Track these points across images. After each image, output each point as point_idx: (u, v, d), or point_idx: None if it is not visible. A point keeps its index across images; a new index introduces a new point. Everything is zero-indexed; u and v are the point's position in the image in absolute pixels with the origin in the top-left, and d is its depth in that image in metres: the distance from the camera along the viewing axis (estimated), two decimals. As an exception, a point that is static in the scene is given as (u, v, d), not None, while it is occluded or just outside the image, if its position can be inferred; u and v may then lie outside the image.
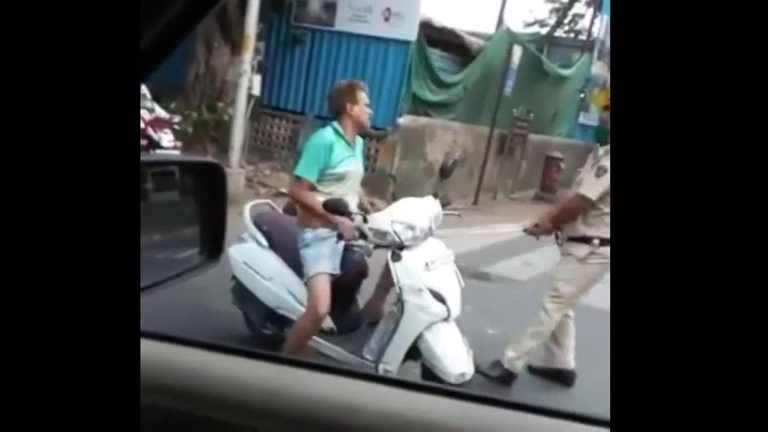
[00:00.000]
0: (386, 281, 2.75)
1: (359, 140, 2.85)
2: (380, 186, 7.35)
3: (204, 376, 0.70)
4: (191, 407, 0.69)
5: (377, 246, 2.56)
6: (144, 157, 0.94)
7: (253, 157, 7.83)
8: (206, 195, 0.71)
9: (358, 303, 2.95)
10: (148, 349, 0.68)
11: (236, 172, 6.19)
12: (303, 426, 0.68)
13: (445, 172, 3.11)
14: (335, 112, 2.75)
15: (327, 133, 2.69)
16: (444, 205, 2.78)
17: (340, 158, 2.63)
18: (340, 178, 2.65)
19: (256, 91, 6.87)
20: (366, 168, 8.13)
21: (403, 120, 7.85)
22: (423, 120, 8.21)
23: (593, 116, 13.48)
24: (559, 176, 10.32)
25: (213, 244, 0.72)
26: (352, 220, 2.54)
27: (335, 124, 2.73)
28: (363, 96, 2.70)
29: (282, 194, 5.94)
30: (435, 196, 2.77)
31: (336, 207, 2.46)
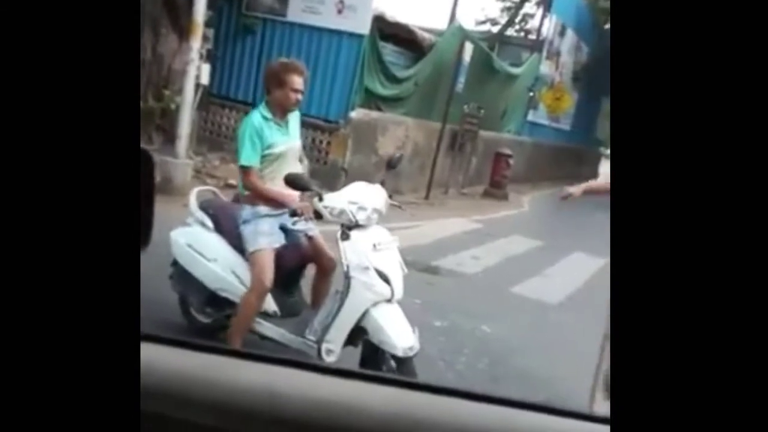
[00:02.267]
0: (323, 267, 2.85)
1: (294, 116, 2.85)
2: (332, 178, 7.31)
3: (183, 377, 0.68)
4: (169, 409, 0.67)
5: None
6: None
7: (201, 147, 7.64)
8: None
9: (301, 287, 2.99)
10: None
11: (183, 162, 6.04)
12: (294, 427, 0.67)
13: (391, 164, 3.19)
14: (265, 92, 2.81)
15: (254, 117, 2.74)
16: (390, 196, 2.85)
17: (271, 140, 2.70)
18: (276, 158, 2.72)
19: (205, 80, 6.70)
20: (317, 161, 8.09)
21: (355, 114, 7.83)
22: (375, 114, 8.22)
23: (541, 114, 13.82)
24: (508, 172, 10.53)
25: (143, 231, 0.70)
26: (312, 196, 2.61)
27: (261, 106, 2.79)
28: (293, 79, 2.71)
29: (231, 186, 5.82)
30: (382, 184, 2.82)
31: (298, 182, 2.55)
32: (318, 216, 2.61)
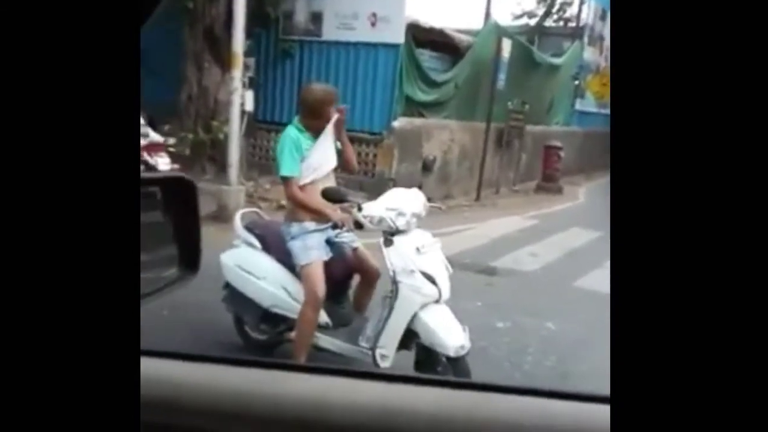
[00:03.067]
0: (367, 277, 2.91)
1: (328, 130, 2.87)
2: (381, 190, 7.36)
3: (198, 388, 0.71)
4: (187, 420, 0.70)
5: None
6: None
7: (251, 172, 7.85)
8: (179, 209, 0.72)
9: (349, 297, 3.04)
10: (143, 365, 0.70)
11: (236, 189, 6.21)
12: (304, 428, 0.68)
13: (426, 167, 3.23)
14: (299, 113, 2.89)
15: (290, 131, 2.83)
16: (428, 199, 2.87)
17: (308, 152, 2.77)
18: (312, 172, 2.79)
19: (249, 107, 6.90)
20: (365, 173, 8.16)
21: (398, 123, 7.85)
22: (418, 121, 8.22)
23: (589, 102, 13.46)
24: (559, 165, 10.29)
25: (190, 257, 0.72)
26: (351, 207, 2.67)
27: (295, 121, 2.87)
28: (328, 111, 2.79)
29: (283, 207, 5.96)
30: (420, 188, 2.87)
31: (335, 195, 2.62)
32: (359, 226, 2.66)
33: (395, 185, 7.88)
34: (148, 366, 0.71)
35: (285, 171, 2.77)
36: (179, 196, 0.72)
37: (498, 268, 5.29)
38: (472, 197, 8.68)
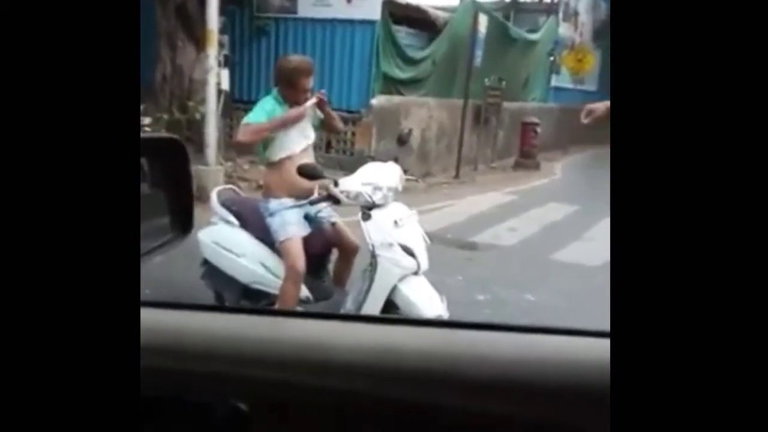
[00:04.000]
0: (346, 251, 2.97)
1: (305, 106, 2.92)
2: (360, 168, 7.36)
3: (197, 334, 0.76)
4: (188, 365, 0.74)
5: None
6: None
7: (229, 153, 7.77)
8: (170, 170, 0.73)
9: (329, 271, 3.09)
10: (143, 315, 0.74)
11: (214, 169, 6.16)
12: (299, 369, 0.73)
13: (401, 140, 3.25)
14: (275, 85, 2.92)
15: (266, 101, 2.87)
16: (405, 171, 2.91)
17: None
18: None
19: (225, 85, 6.80)
20: (344, 152, 8.12)
21: (377, 101, 7.83)
22: (396, 99, 8.20)
23: (564, 78, 13.54)
24: (537, 141, 10.37)
25: (183, 217, 0.74)
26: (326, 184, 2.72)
27: (275, 92, 2.90)
28: (303, 82, 2.81)
29: (261, 187, 5.93)
30: (396, 161, 2.89)
31: (311, 171, 2.64)
32: (336, 201, 2.70)
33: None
34: (149, 316, 0.78)
35: (246, 118, 2.82)
36: (170, 157, 0.73)
37: (478, 243, 5.37)
38: (451, 174, 8.73)
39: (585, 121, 2.95)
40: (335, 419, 0.73)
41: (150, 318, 0.83)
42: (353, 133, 7.93)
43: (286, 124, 2.80)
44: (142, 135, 0.54)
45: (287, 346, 0.74)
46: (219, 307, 0.78)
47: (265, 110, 2.81)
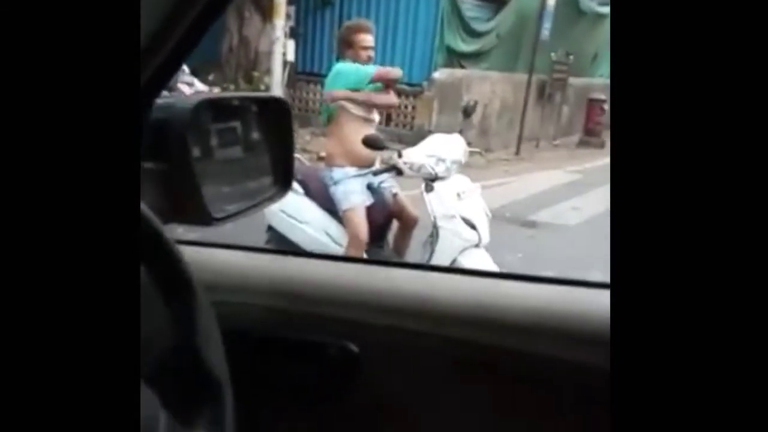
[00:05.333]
0: (406, 223, 2.99)
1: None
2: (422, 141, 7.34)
3: (312, 280, 0.85)
4: (304, 307, 0.83)
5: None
6: (208, 96, 1.00)
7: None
8: (272, 128, 0.76)
9: (388, 241, 3.13)
10: (206, 253, 0.87)
11: (278, 139, 6.29)
12: (406, 316, 0.80)
13: (467, 112, 3.25)
14: (338, 58, 3.00)
15: (338, 65, 2.93)
16: (468, 145, 2.92)
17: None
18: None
19: (291, 57, 6.89)
20: (404, 126, 8.10)
21: (439, 74, 7.73)
22: (459, 72, 8.07)
23: (636, 53, 12.91)
24: (603, 119, 10.01)
25: (284, 174, 0.77)
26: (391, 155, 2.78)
27: (339, 62, 2.95)
28: (361, 38, 2.86)
29: (323, 158, 6.01)
30: (460, 133, 2.90)
31: (375, 143, 2.68)
32: (400, 172, 2.72)
33: (435, 137, 7.86)
34: (267, 262, 0.92)
35: (328, 85, 2.89)
36: (273, 115, 0.76)
37: (539, 222, 5.28)
38: (512, 151, 8.57)
39: None
40: (438, 364, 0.78)
41: (268, 264, 0.91)
42: (413, 107, 7.88)
43: (371, 102, 2.86)
44: (247, 94, 0.54)
45: (396, 294, 0.81)
46: (332, 256, 0.85)
47: (338, 70, 2.87)
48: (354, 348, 0.78)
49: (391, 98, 2.97)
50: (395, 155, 2.72)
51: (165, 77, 0.58)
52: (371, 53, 2.90)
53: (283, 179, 0.77)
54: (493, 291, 0.82)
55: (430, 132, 7.74)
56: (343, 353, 0.78)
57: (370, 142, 2.67)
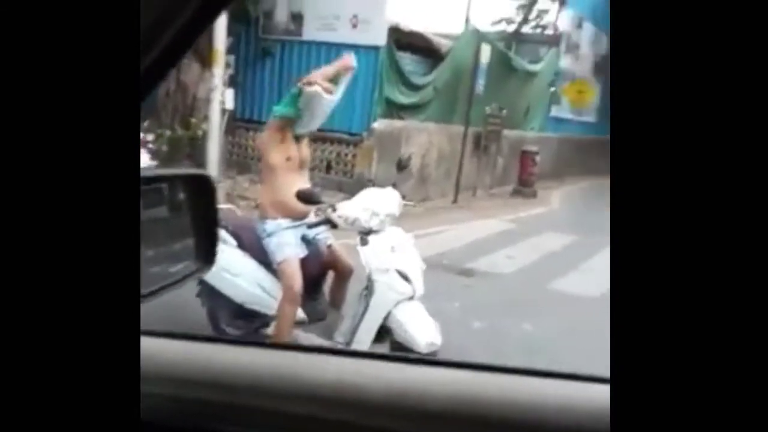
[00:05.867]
0: (341, 273, 2.97)
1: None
2: (359, 191, 7.38)
3: (198, 364, 0.78)
4: (207, 396, 0.76)
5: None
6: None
7: (230, 171, 7.80)
8: (198, 204, 0.74)
9: (324, 293, 3.10)
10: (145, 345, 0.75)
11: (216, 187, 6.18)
12: (315, 403, 0.75)
13: (401, 165, 3.29)
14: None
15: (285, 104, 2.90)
16: (403, 197, 2.94)
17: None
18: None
19: (229, 104, 6.86)
20: (344, 174, 8.13)
21: (378, 124, 7.89)
22: (398, 123, 8.27)
23: (564, 109, 13.68)
24: (535, 170, 10.44)
25: (207, 250, 0.75)
26: (326, 208, 2.75)
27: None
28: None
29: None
30: (395, 186, 2.92)
31: (308, 197, 2.68)
32: (334, 225, 2.72)
33: (374, 186, 7.95)
34: (148, 345, 0.79)
35: (276, 111, 2.85)
36: (199, 191, 0.75)
37: (475, 270, 5.36)
38: (449, 199, 8.77)
39: None
40: None
41: (170, 348, 0.84)
42: (354, 156, 7.98)
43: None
44: (173, 171, 0.54)
45: (320, 382, 0.76)
46: (236, 341, 0.80)
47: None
48: None
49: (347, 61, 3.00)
50: (330, 209, 2.71)
51: (156, 77, 0.57)
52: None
53: (206, 255, 0.75)
54: (419, 378, 0.78)
55: (370, 181, 7.84)
56: None
57: (304, 197, 2.66)
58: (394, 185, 2.93)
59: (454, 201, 8.73)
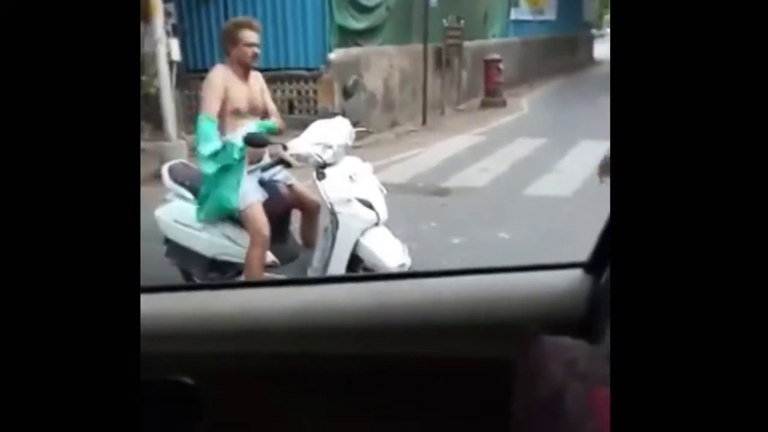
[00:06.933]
0: (307, 211, 2.96)
1: (256, 77, 2.92)
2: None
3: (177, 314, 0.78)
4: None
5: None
6: None
7: (191, 125, 7.60)
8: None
9: (291, 232, 3.11)
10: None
11: (176, 144, 6.03)
12: (237, 339, 0.75)
13: (347, 93, 3.26)
14: (225, 54, 2.88)
15: (216, 71, 2.81)
16: (354, 124, 2.90)
17: (234, 96, 2.74)
18: (241, 116, 2.78)
19: (176, 56, 6.58)
20: (308, 111, 7.99)
21: (335, 55, 7.65)
22: (354, 51, 8.03)
23: (524, 10, 13.34)
24: (501, 78, 10.29)
25: None
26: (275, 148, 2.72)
27: (223, 64, 2.86)
28: (245, 34, 2.76)
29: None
30: (344, 115, 2.89)
31: (256, 140, 2.63)
32: (288, 165, 2.69)
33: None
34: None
35: (205, 108, 2.75)
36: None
37: (450, 188, 5.39)
38: (418, 122, 8.67)
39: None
40: (278, 383, 0.75)
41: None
42: (315, 91, 7.79)
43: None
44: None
45: (221, 318, 0.76)
46: (154, 288, 0.79)
47: (214, 81, 2.76)
48: (189, 381, 0.74)
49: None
50: (281, 148, 2.68)
51: None
52: (255, 50, 2.82)
53: None
54: (311, 297, 0.78)
55: (335, 114, 7.71)
56: (177, 389, 0.74)
57: (252, 141, 2.61)
58: (344, 114, 2.90)
59: (424, 122, 8.64)
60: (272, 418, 0.76)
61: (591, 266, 0.74)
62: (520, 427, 0.57)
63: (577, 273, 0.74)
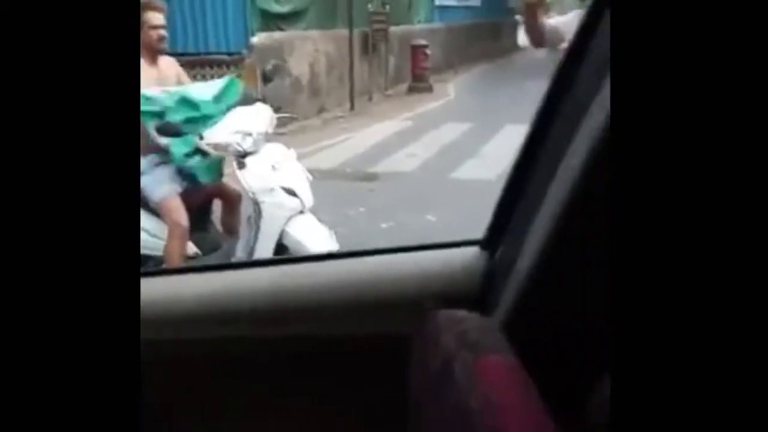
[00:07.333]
0: (228, 201, 2.88)
1: (170, 61, 2.86)
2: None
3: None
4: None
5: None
6: None
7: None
8: None
9: (213, 222, 3.02)
10: None
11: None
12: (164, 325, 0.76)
13: (267, 78, 3.22)
14: None
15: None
16: (276, 110, 2.83)
17: (144, 84, 2.61)
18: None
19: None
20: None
21: (257, 39, 7.45)
22: (278, 35, 7.85)
23: (448, -4, 13.50)
24: (427, 63, 10.39)
25: None
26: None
27: None
28: (149, 16, 2.66)
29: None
30: (263, 101, 2.80)
31: (168, 129, 2.53)
32: (205, 155, 2.58)
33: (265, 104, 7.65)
34: None
35: None
36: None
37: (378, 173, 5.40)
38: (346, 107, 8.62)
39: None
40: (190, 367, 0.77)
41: None
42: (237, 76, 7.56)
43: None
44: None
45: (168, 302, 0.77)
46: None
47: None
48: None
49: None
50: (197, 138, 2.56)
51: None
52: (162, 32, 2.72)
53: None
54: (293, 275, 0.80)
55: (258, 100, 7.54)
56: None
57: (163, 130, 2.51)
58: (264, 100, 2.82)
59: (351, 108, 8.60)
60: (188, 402, 0.77)
61: (486, 243, 0.76)
62: (417, 397, 0.58)
63: (474, 250, 0.76)
